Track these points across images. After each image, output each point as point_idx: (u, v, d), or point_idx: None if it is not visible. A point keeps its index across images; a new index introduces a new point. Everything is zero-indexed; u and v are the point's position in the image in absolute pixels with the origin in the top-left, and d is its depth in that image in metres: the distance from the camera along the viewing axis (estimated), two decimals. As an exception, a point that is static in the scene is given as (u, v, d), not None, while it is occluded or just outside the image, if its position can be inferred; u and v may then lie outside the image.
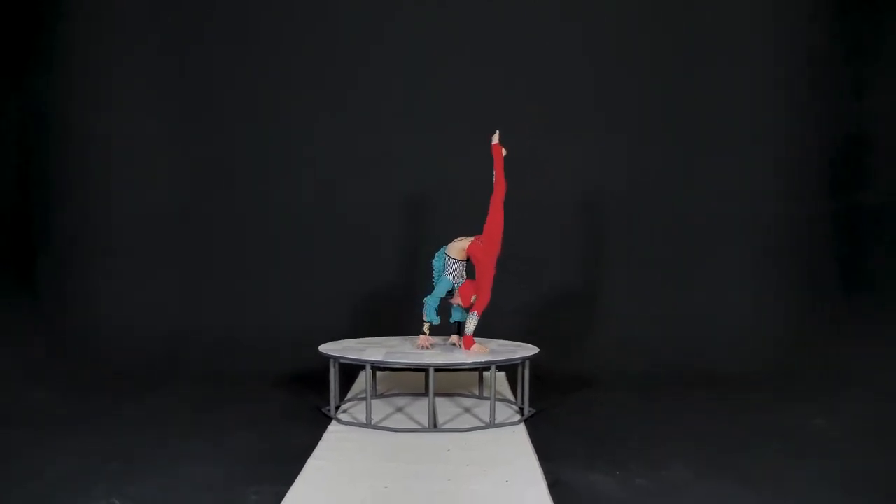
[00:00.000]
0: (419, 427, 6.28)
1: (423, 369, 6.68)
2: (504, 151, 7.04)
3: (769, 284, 9.02)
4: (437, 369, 6.30)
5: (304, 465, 5.29)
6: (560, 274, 9.16)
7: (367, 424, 6.29)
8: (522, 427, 6.36)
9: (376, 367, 6.80)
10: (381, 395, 7.34)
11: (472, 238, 6.79)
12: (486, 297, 6.64)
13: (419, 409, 6.81)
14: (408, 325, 7.08)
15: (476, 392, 7.40)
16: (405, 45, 9.06)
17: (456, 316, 6.97)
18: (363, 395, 6.65)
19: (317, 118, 9.06)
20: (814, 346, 8.60)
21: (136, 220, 9.04)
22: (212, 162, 9.08)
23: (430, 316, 6.76)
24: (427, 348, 6.76)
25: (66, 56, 8.92)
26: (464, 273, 6.78)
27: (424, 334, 6.83)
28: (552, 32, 9.04)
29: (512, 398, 7.32)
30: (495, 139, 7.09)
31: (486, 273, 6.66)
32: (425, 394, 6.58)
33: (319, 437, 6.01)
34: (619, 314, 9.00)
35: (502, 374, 8.00)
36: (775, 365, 8.43)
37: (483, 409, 6.81)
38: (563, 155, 9.06)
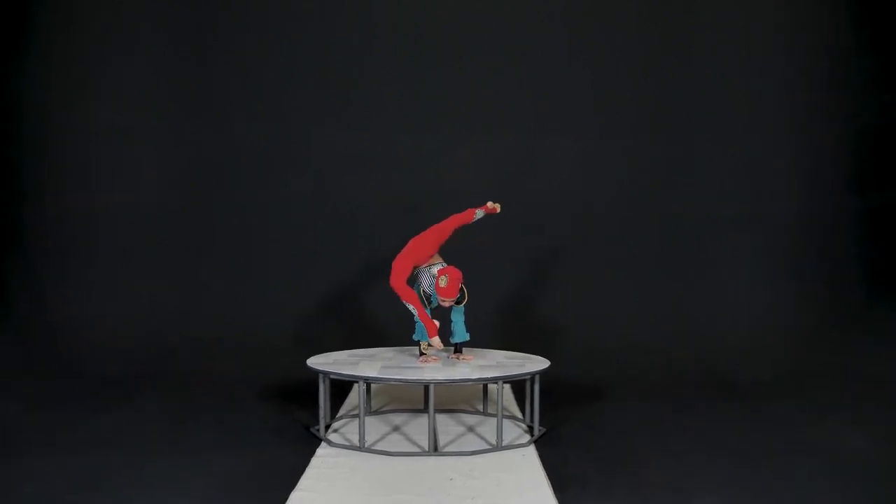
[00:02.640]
0: (418, 450, 5.68)
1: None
2: (498, 210, 6.66)
3: (785, 287, 8.61)
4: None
5: (287, 499, 4.68)
6: (562, 278, 8.68)
7: (360, 447, 5.68)
8: (532, 449, 5.76)
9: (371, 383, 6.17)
10: (377, 412, 6.74)
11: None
12: (399, 264, 6.11)
13: (418, 428, 6.22)
14: (407, 333, 6.50)
15: (480, 408, 6.80)
16: (403, 43, 8.62)
17: (458, 335, 6.33)
18: (356, 412, 6.02)
19: (315, 116, 8.59)
20: (834, 351, 8.21)
21: (117, 216, 8.52)
22: (202, 157, 8.59)
23: (417, 334, 6.28)
24: (428, 363, 6.16)
25: (44, 40, 8.37)
26: (432, 273, 6.16)
27: (423, 354, 6.24)
28: (548, 31, 8.61)
29: (519, 415, 6.72)
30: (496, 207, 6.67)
31: (410, 249, 6.20)
32: (425, 410, 5.97)
33: (306, 462, 5.41)
34: (626, 319, 8.54)
35: (507, 385, 7.39)
36: (795, 372, 8.00)
37: (488, 427, 6.22)
38: (562, 154, 8.65)
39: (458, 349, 6.31)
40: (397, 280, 6.05)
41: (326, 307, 8.52)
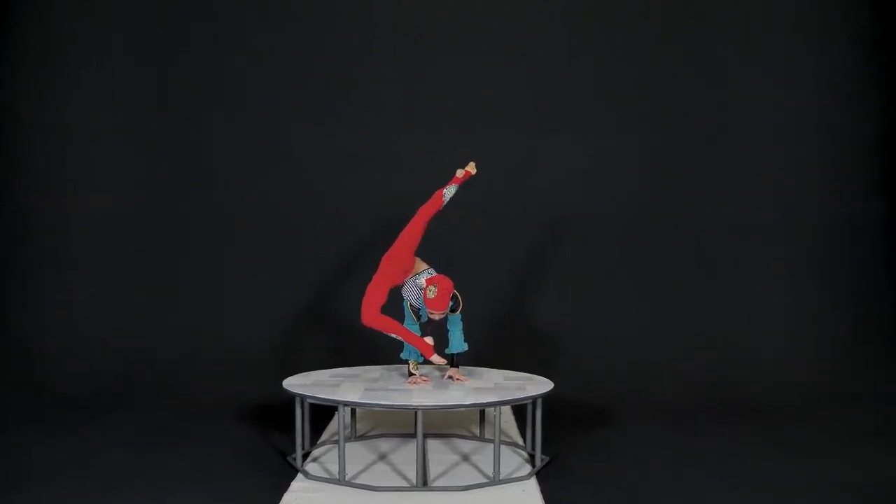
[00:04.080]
0: (405, 484, 5.05)
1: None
2: (473, 171, 5.98)
3: (812, 298, 7.94)
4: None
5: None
6: (567, 288, 8.02)
7: (340, 480, 5.06)
8: (534, 483, 5.15)
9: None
10: (363, 437, 6.11)
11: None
12: (372, 295, 5.42)
13: (407, 456, 5.60)
14: (395, 350, 5.90)
15: (476, 432, 6.17)
16: (399, 34, 7.97)
17: (454, 346, 5.70)
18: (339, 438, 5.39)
19: (301, 113, 7.93)
20: (865, 370, 7.62)
21: (87, 221, 7.85)
22: (179, 158, 7.92)
23: (406, 352, 5.68)
24: (418, 384, 5.53)
25: (11, 32, 7.74)
26: (419, 284, 5.53)
27: (413, 374, 5.62)
28: (554, 22, 7.97)
29: (520, 439, 6.09)
30: (472, 168, 5.99)
31: (382, 273, 5.53)
32: (414, 434, 5.35)
33: (278, 498, 4.81)
34: (635, 333, 7.88)
35: (507, 406, 6.74)
36: (824, 393, 7.37)
37: (485, 455, 5.60)
38: (567, 155, 7.99)
39: (453, 362, 5.67)
40: (370, 314, 5.41)
41: (312, 318, 7.89)
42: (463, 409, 5.12)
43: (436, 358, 5.47)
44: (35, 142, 7.83)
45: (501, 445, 5.32)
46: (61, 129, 7.82)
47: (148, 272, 7.90)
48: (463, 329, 5.68)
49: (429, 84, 7.95)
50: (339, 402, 5.11)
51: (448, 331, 5.65)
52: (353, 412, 6.04)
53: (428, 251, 5.84)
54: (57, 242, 7.84)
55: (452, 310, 5.53)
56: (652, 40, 7.91)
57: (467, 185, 6.07)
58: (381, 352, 6.85)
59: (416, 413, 5.06)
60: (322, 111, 7.91)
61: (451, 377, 5.64)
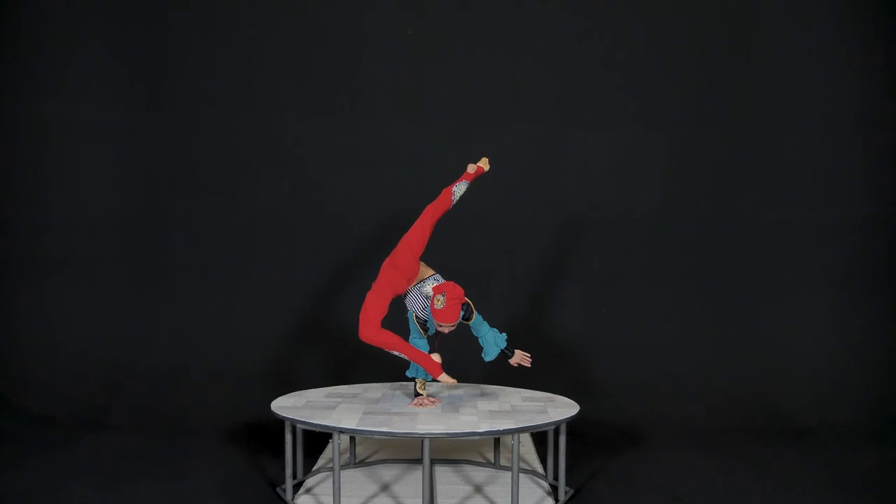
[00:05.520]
0: (409, 524, 4.41)
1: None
2: (486, 168, 5.35)
3: (856, 307, 7.29)
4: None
5: None
6: (589, 297, 7.37)
7: (335, 518, 4.42)
8: (557, 521, 4.48)
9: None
10: (363, 462, 5.45)
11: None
12: (371, 307, 4.79)
13: (412, 486, 4.97)
14: (399, 365, 5.25)
15: (491, 458, 5.50)
16: (405, 20, 7.33)
17: (490, 352, 5.04)
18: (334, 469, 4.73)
19: (297, 107, 7.30)
20: None
21: (71, 223, 7.23)
22: (168, 157, 7.30)
23: (411, 370, 5.04)
24: (424, 406, 4.88)
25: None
26: (425, 293, 4.87)
27: (420, 394, 4.97)
28: (573, 7, 7.35)
29: (539, 467, 5.42)
30: (485, 164, 5.35)
31: (383, 281, 4.87)
32: (420, 460, 4.71)
33: (264, 539, 4.19)
34: (666, 347, 7.23)
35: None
36: (876, 413, 6.75)
37: (501, 486, 4.97)
38: (589, 153, 7.36)
39: (508, 352, 5.02)
40: (369, 329, 4.77)
41: (308, 329, 7.24)
42: (477, 437, 4.44)
43: (444, 377, 4.82)
44: (11, 139, 7.21)
45: (520, 474, 4.66)
46: (41, 127, 7.22)
47: (132, 279, 7.26)
48: (490, 325, 5.03)
49: (437, 75, 7.32)
50: (333, 429, 4.45)
51: (478, 338, 5.02)
52: (351, 437, 5.39)
53: (434, 256, 5.21)
54: (33, 246, 7.21)
55: (466, 319, 4.88)
56: (679, 28, 7.31)
57: (479, 182, 5.44)
58: (385, 367, 6.20)
59: (423, 442, 4.40)
60: (319, 104, 7.29)
61: (519, 364, 5.03)
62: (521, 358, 5.01)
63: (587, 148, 7.36)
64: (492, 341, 4.99)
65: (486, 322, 5.00)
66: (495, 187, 6.89)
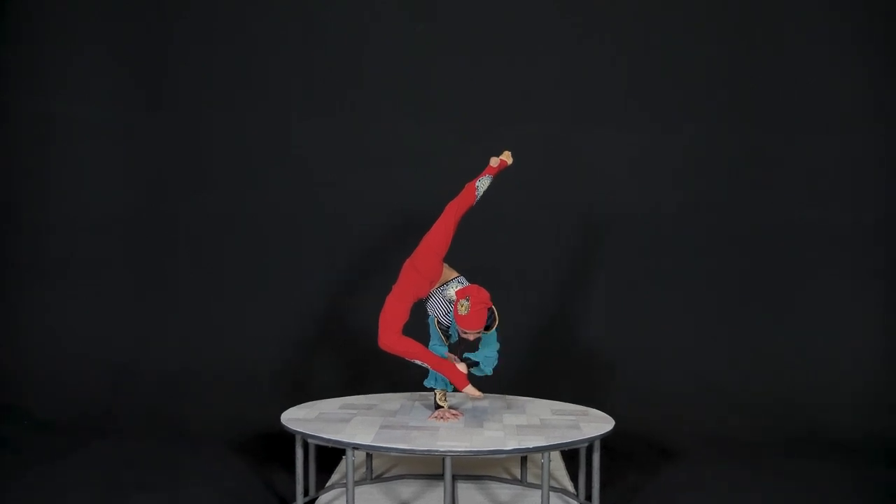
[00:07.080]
0: (429, 546, 4.07)
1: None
2: (509, 161, 5.02)
3: (892, 316, 6.88)
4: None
5: None
6: (618, 300, 7.02)
7: (349, 539, 4.08)
8: (592, 547, 4.12)
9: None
10: (380, 478, 5.10)
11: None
12: (391, 312, 4.45)
13: (433, 505, 4.61)
14: (418, 373, 4.91)
15: (517, 475, 5.13)
16: (414, 14, 7.06)
17: (486, 366, 4.68)
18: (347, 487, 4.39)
19: (305, 105, 7.05)
20: None
21: (72, 226, 7.03)
22: (173, 157, 7.08)
23: (430, 379, 4.69)
24: (445, 420, 4.52)
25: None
26: (448, 297, 4.54)
27: (440, 406, 4.62)
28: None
29: (570, 485, 5.05)
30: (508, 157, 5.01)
31: (403, 284, 4.53)
32: (441, 476, 4.37)
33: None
34: (697, 355, 6.88)
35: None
36: None
37: (528, 506, 4.59)
38: (612, 150, 7.02)
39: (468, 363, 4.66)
40: (389, 336, 4.42)
41: (322, 333, 6.95)
42: (503, 455, 4.08)
43: (470, 389, 4.46)
44: (12, 140, 7.02)
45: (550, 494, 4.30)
46: (42, 128, 7.04)
47: (137, 281, 7.04)
48: (499, 350, 4.67)
49: (449, 72, 7.02)
50: (347, 445, 4.10)
51: (474, 354, 4.65)
52: (369, 456, 5.05)
53: (455, 258, 4.85)
54: (37, 247, 7.02)
55: (487, 327, 4.51)
56: (701, 24, 6.97)
57: (501, 176, 5.10)
58: (403, 375, 5.86)
59: (444, 459, 4.05)
60: (328, 102, 7.03)
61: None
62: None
63: (609, 146, 7.01)
64: (487, 362, 4.63)
65: (497, 345, 4.64)
66: (515, 185, 6.55)
